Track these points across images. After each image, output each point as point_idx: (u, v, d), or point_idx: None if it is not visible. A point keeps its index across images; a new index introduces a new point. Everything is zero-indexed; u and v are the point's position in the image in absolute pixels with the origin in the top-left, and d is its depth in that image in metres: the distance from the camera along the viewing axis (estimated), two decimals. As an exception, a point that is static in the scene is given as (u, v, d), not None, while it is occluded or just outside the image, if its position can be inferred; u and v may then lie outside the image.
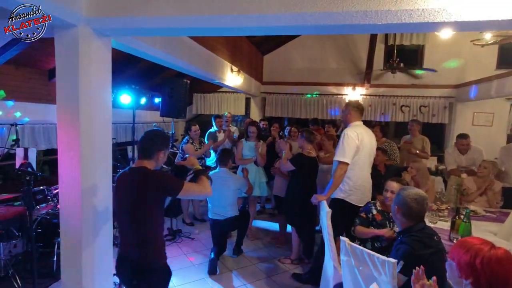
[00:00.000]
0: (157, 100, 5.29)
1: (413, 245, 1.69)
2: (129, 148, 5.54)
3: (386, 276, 1.42)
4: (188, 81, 4.87)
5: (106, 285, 2.47)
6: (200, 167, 2.10)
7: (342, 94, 7.29)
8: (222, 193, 3.30)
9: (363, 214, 2.57)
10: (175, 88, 4.69)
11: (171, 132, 4.55)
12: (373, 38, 6.61)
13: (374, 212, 2.55)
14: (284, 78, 7.65)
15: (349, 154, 2.62)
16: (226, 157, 3.44)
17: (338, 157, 2.66)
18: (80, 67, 2.01)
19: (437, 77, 6.96)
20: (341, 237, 1.70)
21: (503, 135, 6.70)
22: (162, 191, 1.75)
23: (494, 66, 6.61)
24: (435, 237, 1.77)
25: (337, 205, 2.67)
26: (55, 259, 3.06)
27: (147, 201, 1.71)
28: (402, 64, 5.35)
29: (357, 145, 2.64)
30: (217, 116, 5.06)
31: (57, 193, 3.17)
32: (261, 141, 4.21)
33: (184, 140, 4.37)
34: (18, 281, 2.77)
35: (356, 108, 2.82)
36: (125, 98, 4.52)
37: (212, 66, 4.39)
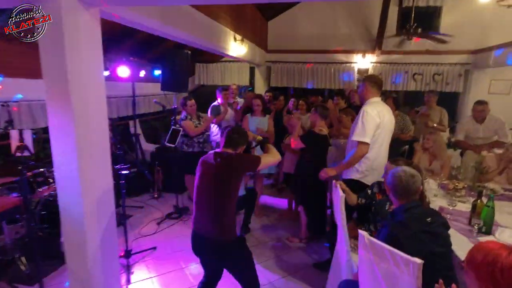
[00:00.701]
0: (157, 72, 5.06)
1: (391, 227, 1.61)
2: (131, 123, 5.39)
3: (409, 276, 1.31)
4: (189, 52, 4.58)
5: (113, 267, 2.44)
6: (261, 138, 2.38)
7: (351, 62, 6.92)
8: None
9: (367, 190, 2.49)
10: (175, 60, 4.42)
11: (173, 107, 4.35)
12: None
13: (376, 190, 2.44)
14: (290, 46, 7.25)
15: (370, 133, 2.44)
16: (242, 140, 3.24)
17: (357, 136, 2.47)
18: (66, 42, 1.79)
19: (453, 43, 6.52)
20: (359, 230, 1.58)
21: (521, 103, 6.37)
22: (244, 169, 2.06)
23: (516, 30, 6.14)
24: (427, 219, 1.62)
25: (351, 186, 2.53)
26: (62, 240, 3.03)
27: (230, 180, 1.93)
28: (420, 29, 4.94)
29: (378, 123, 2.45)
30: (224, 89, 4.81)
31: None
32: (267, 116, 4.00)
33: (182, 116, 4.15)
34: (25, 264, 2.76)
35: (374, 83, 2.59)
36: (123, 71, 4.29)
37: (214, 35, 4.09)
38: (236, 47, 4.96)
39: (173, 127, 3.76)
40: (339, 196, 2.18)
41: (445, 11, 6.51)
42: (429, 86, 6.57)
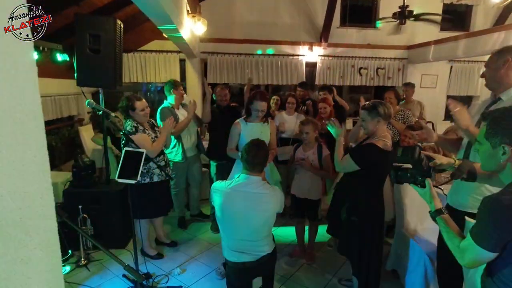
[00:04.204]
0: (60, 57, 3.20)
1: None
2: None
3: None
4: (122, 24, 2.91)
5: None
6: None
7: (299, 55, 6.23)
8: (256, 219, 1.87)
9: None
10: (102, 35, 2.70)
11: (111, 114, 2.59)
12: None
13: None
14: (229, 34, 6.05)
15: None
16: (264, 155, 1.93)
17: None
18: None
19: (391, 38, 6.65)
20: None
21: (444, 96, 6.93)
22: None
23: (438, 28, 6.59)
24: None
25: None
26: None
27: None
28: (413, 11, 4.52)
29: None
30: (175, 84, 3.28)
31: None
32: (268, 122, 2.74)
33: (128, 127, 2.51)
34: None
35: None
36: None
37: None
38: (189, 25, 3.51)
39: (126, 148, 2.11)
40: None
41: (382, 5, 6.51)
42: (374, 81, 6.54)
